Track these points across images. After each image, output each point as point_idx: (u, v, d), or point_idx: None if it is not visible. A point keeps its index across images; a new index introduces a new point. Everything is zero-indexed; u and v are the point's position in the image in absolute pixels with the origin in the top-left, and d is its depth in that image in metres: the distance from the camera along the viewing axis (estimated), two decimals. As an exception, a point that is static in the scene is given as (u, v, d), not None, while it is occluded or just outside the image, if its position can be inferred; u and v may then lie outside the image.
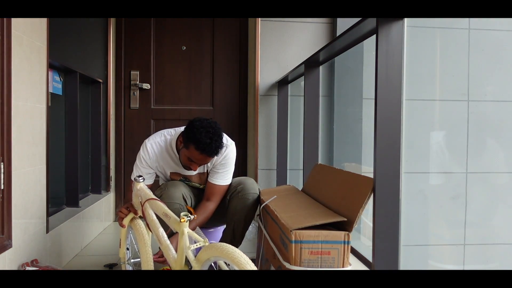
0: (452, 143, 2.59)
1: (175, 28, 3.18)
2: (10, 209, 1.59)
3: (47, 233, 1.93)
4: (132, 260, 1.77)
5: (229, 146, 1.88)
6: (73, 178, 2.44)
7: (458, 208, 2.47)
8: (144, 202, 1.54)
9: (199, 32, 3.21)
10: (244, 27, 3.24)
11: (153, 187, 1.91)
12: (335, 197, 1.53)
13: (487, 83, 2.56)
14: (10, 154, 1.58)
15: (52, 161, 2.02)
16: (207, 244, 1.18)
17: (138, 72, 3.17)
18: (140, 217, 1.67)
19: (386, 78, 1.32)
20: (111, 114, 3.04)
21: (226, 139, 1.88)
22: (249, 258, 1.06)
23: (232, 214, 1.88)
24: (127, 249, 1.82)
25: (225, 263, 1.12)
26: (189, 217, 1.25)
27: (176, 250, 1.33)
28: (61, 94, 2.37)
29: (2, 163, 1.54)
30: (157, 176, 2.00)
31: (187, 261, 1.25)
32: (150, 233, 1.58)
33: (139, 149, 1.91)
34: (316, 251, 1.27)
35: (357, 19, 1.42)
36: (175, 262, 1.30)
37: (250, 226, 1.99)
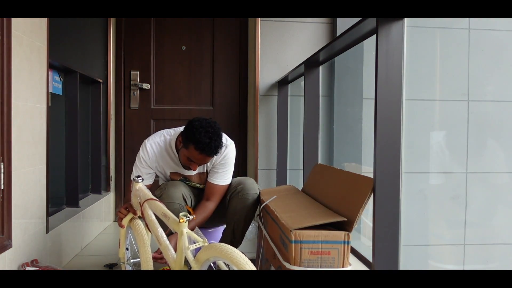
0: (452, 143, 2.59)
1: (175, 28, 3.18)
2: (10, 209, 1.59)
3: (47, 233, 1.93)
4: (131, 260, 1.77)
5: (229, 146, 1.88)
6: (73, 178, 2.44)
7: (458, 208, 2.47)
8: (143, 203, 1.54)
9: (199, 32, 3.21)
10: (244, 27, 3.24)
11: (153, 187, 1.91)
12: (335, 197, 1.53)
13: (487, 83, 2.56)
14: (10, 154, 1.58)
15: (52, 161, 2.02)
16: (206, 244, 1.18)
17: (138, 72, 3.17)
18: (139, 217, 1.67)
19: (386, 78, 1.32)
20: (111, 114, 3.04)
21: (226, 138, 1.88)
22: (249, 258, 1.06)
23: (232, 214, 1.88)
24: (127, 249, 1.82)
25: (225, 263, 1.13)
26: (188, 217, 1.25)
27: (175, 250, 1.33)
28: (61, 94, 2.37)
29: (2, 163, 1.54)
30: (157, 176, 2.00)
31: (186, 261, 1.25)
32: (150, 233, 1.58)
33: (139, 149, 1.91)
34: (316, 251, 1.27)
35: (357, 19, 1.42)
36: (174, 262, 1.30)
37: (250, 226, 1.99)
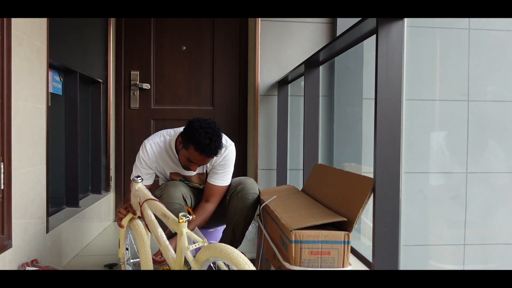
0: (452, 143, 2.59)
1: (175, 28, 3.19)
2: (10, 209, 1.59)
3: (47, 233, 1.93)
4: (131, 260, 1.77)
5: (229, 147, 1.88)
6: (73, 178, 2.44)
7: (458, 208, 2.47)
8: (143, 203, 1.54)
9: (199, 32, 3.21)
10: (244, 27, 3.24)
11: (153, 187, 1.91)
12: (335, 197, 1.53)
13: (487, 83, 2.56)
14: (10, 154, 1.58)
15: (52, 161, 2.02)
16: (206, 244, 1.18)
17: (138, 72, 3.17)
18: (139, 217, 1.67)
19: (386, 78, 1.32)
20: (111, 114, 3.04)
21: (226, 139, 1.88)
22: (249, 258, 1.06)
23: (232, 214, 1.88)
24: (127, 249, 1.82)
25: (224, 263, 1.12)
26: (188, 217, 1.25)
27: (175, 251, 1.33)
28: (61, 94, 2.37)
29: (2, 163, 1.54)
30: (157, 176, 2.00)
31: (186, 262, 1.25)
32: (149, 233, 1.58)
33: (139, 149, 1.91)
34: (316, 251, 1.27)
35: (357, 19, 1.42)
36: (174, 262, 1.30)
37: (250, 226, 1.99)
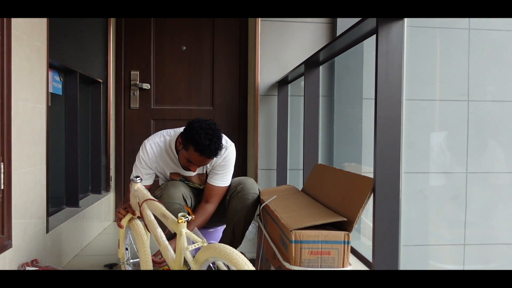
0: (452, 143, 2.59)
1: (175, 28, 3.18)
2: (10, 209, 1.59)
3: (47, 233, 1.93)
4: (131, 260, 1.77)
5: (229, 148, 1.88)
6: (73, 178, 2.44)
7: (458, 208, 2.47)
8: (142, 203, 1.54)
9: (199, 32, 3.21)
10: (244, 27, 3.24)
11: (153, 187, 1.91)
12: (335, 197, 1.53)
13: (487, 83, 2.56)
14: (10, 154, 1.58)
15: (52, 161, 2.02)
16: (205, 244, 1.18)
17: (138, 72, 3.17)
18: (138, 217, 1.67)
19: (386, 78, 1.32)
20: (111, 114, 3.04)
21: (226, 140, 1.88)
22: (249, 258, 1.06)
23: (232, 214, 1.88)
24: (126, 249, 1.82)
25: (224, 263, 1.12)
26: (187, 217, 1.25)
27: (174, 251, 1.33)
28: (61, 94, 2.37)
29: (2, 163, 1.54)
30: (157, 176, 2.00)
31: (185, 262, 1.25)
32: (149, 233, 1.58)
33: (139, 149, 1.91)
34: (316, 251, 1.27)
35: (357, 19, 1.42)
36: (173, 262, 1.30)
37: (250, 226, 1.99)
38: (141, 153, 1.88)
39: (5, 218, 1.57)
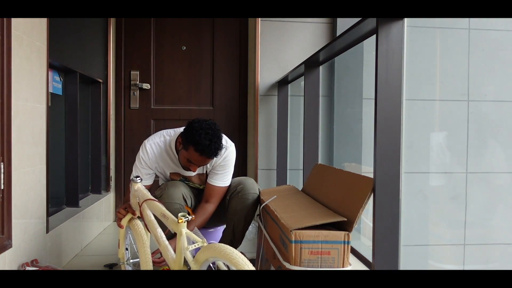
0: (452, 143, 2.59)
1: (175, 28, 3.19)
2: (10, 209, 1.59)
3: (47, 233, 1.93)
4: (131, 260, 1.77)
5: (229, 148, 1.88)
6: (73, 178, 2.44)
7: (458, 208, 2.47)
8: (142, 203, 1.54)
9: (199, 32, 3.21)
10: (244, 27, 3.24)
11: (153, 187, 1.91)
12: (335, 197, 1.53)
13: (487, 83, 2.56)
14: (10, 154, 1.58)
15: (52, 161, 2.02)
16: (205, 244, 1.18)
17: (138, 72, 3.17)
18: (138, 217, 1.67)
19: (386, 78, 1.32)
20: (111, 114, 3.04)
21: (226, 140, 1.88)
22: (249, 258, 1.06)
23: (232, 214, 1.88)
24: (126, 249, 1.82)
25: (224, 263, 1.12)
26: (187, 217, 1.25)
27: (174, 251, 1.33)
28: (61, 94, 2.37)
29: (2, 163, 1.54)
30: (157, 176, 2.00)
31: (185, 262, 1.25)
32: (149, 233, 1.58)
33: (139, 149, 1.91)
34: (316, 251, 1.27)
35: (357, 19, 1.42)
36: (173, 262, 1.30)
37: (250, 226, 1.99)
38: (141, 153, 1.88)
39: (5, 218, 1.57)
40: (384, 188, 1.31)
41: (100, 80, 2.84)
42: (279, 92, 2.93)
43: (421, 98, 2.61)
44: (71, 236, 2.24)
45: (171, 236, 1.72)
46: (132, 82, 3.15)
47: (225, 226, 1.96)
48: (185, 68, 3.21)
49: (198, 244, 1.20)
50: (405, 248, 1.47)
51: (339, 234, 1.28)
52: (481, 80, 2.54)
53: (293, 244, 1.27)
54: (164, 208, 1.41)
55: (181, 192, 1.86)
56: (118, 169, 3.17)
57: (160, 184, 2.01)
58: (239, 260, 1.03)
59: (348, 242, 1.28)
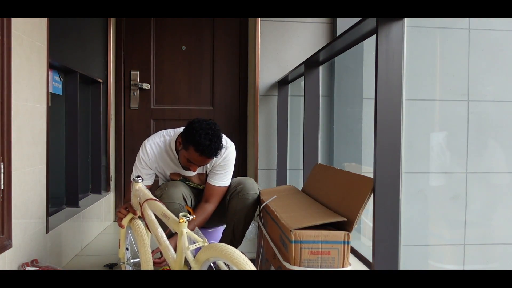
0: (452, 143, 2.59)
1: (175, 28, 3.19)
2: (10, 209, 1.59)
3: (47, 233, 1.93)
4: (131, 260, 1.77)
5: (229, 148, 1.88)
6: (73, 178, 2.44)
7: (458, 208, 2.47)
8: (143, 203, 1.54)
9: (199, 32, 3.21)
10: (244, 27, 3.24)
11: (153, 187, 1.91)
12: (335, 197, 1.53)
13: (487, 83, 2.56)
14: (10, 154, 1.58)
15: (52, 161, 2.02)
16: (206, 244, 1.18)
17: (138, 72, 3.17)
18: (139, 217, 1.67)
19: (386, 78, 1.32)
20: (111, 114, 3.04)
21: (226, 140, 1.88)
22: (249, 258, 1.06)
23: (232, 214, 1.88)
24: (127, 249, 1.82)
25: (224, 263, 1.12)
26: (188, 217, 1.25)
27: (175, 250, 1.33)
28: (61, 94, 2.37)
29: (2, 163, 1.54)
30: (157, 176, 2.00)
31: (186, 261, 1.25)
32: (149, 233, 1.58)
33: (139, 149, 1.91)
34: (316, 251, 1.27)
35: (357, 19, 1.42)
36: (174, 262, 1.30)
37: (250, 226, 1.99)
38: (141, 153, 1.88)
39: (5, 218, 1.57)
40: (384, 188, 1.31)
41: (100, 80, 2.84)
42: (279, 92, 2.93)
43: (421, 98, 2.61)
44: (71, 236, 2.24)
45: (171, 234, 1.72)
46: (132, 82, 3.15)
47: (225, 226, 1.96)
48: (185, 68, 3.21)
49: (199, 244, 1.20)
50: (405, 248, 1.47)
51: (339, 234, 1.28)
52: (481, 80, 2.54)
53: (293, 244, 1.27)
54: (165, 208, 1.41)
55: (181, 192, 1.86)
56: (118, 169, 3.17)
57: (160, 184, 2.01)
58: (240, 260, 1.03)
59: (348, 242, 1.28)
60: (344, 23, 2.89)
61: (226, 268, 1.15)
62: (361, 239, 2.39)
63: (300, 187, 2.02)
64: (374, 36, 1.36)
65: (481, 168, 2.51)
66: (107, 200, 3.01)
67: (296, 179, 2.88)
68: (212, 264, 1.18)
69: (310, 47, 2.95)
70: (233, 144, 1.92)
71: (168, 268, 1.72)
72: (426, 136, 2.62)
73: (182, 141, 1.76)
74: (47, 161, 1.93)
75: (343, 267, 1.28)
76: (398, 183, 1.32)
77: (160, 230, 1.45)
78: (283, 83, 2.87)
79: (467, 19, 2.50)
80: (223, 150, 1.81)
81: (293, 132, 2.95)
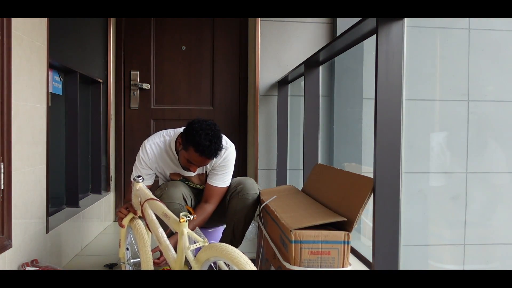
0: (452, 143, 2.59)
1: (175, 28, 3.19)
2: (10, 209, 1.59)
3: (47, 233, 1.93)
4: (132, 260, 1.77)
5: (229, 148, 1.88)
6: (73, 178, 2.44)
7: (458, 208, 2.47)
8: (144, 202, 1.54)
9: (199, 32, 3.21)
10: (244, 27, 3.24)
11: (153, 187, 1.91)
12: (335, 197, 1.53)
13: (487, 83, 2.56)
14: (10, 154, 1.58)
15: (52, 161, 2.02)
16: (206, 244, 1.18)
17: (138, 72, 3.17)
18: (139, 217, 1.67)
19: (386, 78, 1.32)
20: (111, 114, 3.04)
21: (226, 141, 1.88)
22: (249, 258, 1.06)
23: (232, 214, 1.88)
24: (127, 249, 1.82)
25: (225, 263, 1.12)
26: (189, 217, 1.25)
27: (175, 250, 1.33)
28: (61, 94, 2.37)
29: (2, 163, 1.54)
30: (157, 176, 2.00)
31: (186, 261, 1.25)
32: (150, 233, 1.58)
33: (139, 149, 1.91)
34: (316, 251, 1.27)
35: (357, 19, 1.42)
36: (174, 262, 1.30)
37: (250, 226, 1.99)
38: (141, 153, 1.88)
39: (5, 218, 1.57)
40: (384, 188, 1.31)
41: (100, 80, 2.84)
42: (279, 92, 2.93)
43: (421, 98, 2.61)
44: (71, 236, 2.24)
45: (171, 233, 1.71)
46: (132, 82, 3.15)
47: (225, 226, 1.96)
48: (185, 68, 3.21)
49: (199, 244, 1.20)
50: (405, 248, 1.47)
51: (339, 234, 1.28)
52: (481, 80, 2.54)
53: (293, 244, 1.27)
54: (165, 208, 1.41)
55: (181, 192, 1.86)
56: (118, 169, 3.17)
57: (160, 184, 2.01)
58: (241, 259, 1.03)
59: (348, 242, 1.28)
60: (344, 23, 2.89)
61: (226, 268, 1.15)
62: (361, 239, 2.39)
63: (300, 187, 2.02)
64: (374, 36, 1.36)
65: (481, 168, 2.51)
66: (107, 200, 3.01)
67: (296, 179, 2.88)
68: (212, 264, 1.18)
69: (310, 47, 2.95)
70: (233, 145, 1.92)
71: (168, 268, 1.72)
72: (426, 136, 2.62)
73: (182, 142, 1.75)
74: (47, 161, 1.93)
75: (343, 267, 1.28)
76: (398, 183, 1.32)
77: (161, 230, 1.45)
78: (283, 83, 2.87)
79: (467, 19, 2.50)
80: (223, 151, 1.81)
81: (293, 132, 2.95)
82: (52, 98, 2.16)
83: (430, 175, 2.64)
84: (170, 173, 1.95)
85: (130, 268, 1.82)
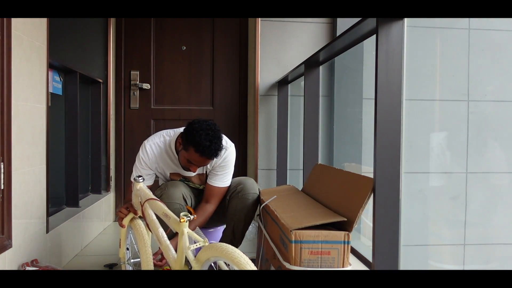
0: (452, 143, 2.60)
1: (175, 28, 3.19)
2: (10, 209, 1.59)
3: (47, 233, 1.93)
4: (132, 260, 1.77)
5: (229, 149, 1.88)
6: (73, 178, 2.44)
7: (458, 208, 2.47)
8: (144, 202, 1.54)
9: (199, 32, 3.21)
10: (244, 27, 3.24)
11: (153, 188, 1.91)
12: (335, 197, 1.53)
13: (487, 83, 2.56)
14: (10, 154, 1.58)
15: (52, 161, 2.02)
16: (207, 244, 1.18)
17: (138, 72, 3.17)
18: (140, 217, 1.67)
19: (386, 78, 1.32)
20: (111, 114, 3.04)
21: (226, 141, 1.88)
22: (249, 258, 1.06)
23: (232, 214, 1.88)
24: (127, 249, 1.82)
25: (225, 263, 1.12)
26: (189, 217, 1.25)
27: (176, 250, 1.33)
28: (61, 94, 2.37)
29: (2, 163, 1.54)
30: (157, 176, 2.00)
31: (187, 261, 1.25)
32: (150, 233, 1.58)
33: (139, 149, 1.91)
34: (316, 251, 1.27)
35: (357, 19, 1.42)
36: (175, 262, 1.30)
37: (250, 226, 1.99)
38: (141, 153, 1.88)
39: (5, 218, 1.57)
40: (384, 188, 1.31)
41: (100, 80, 2.84)
42: (279, 92, 2.93)
43: (421, 98, 2.61)
44: (71, 236, 2.24)
45: (172, 235, 1.72)
46: (132, 82, 3.15)
47: (225, 226, 1.96)
48: (185, 68, 3.21)
49: (199, 244, 1.20)
50: (405, 248, 1.47)
51: (339, 234, 1.28)
52: (481, 80, 2.54)
53: (293, 244, 1.27)
54: (166, 208, 1.41)
55: (181, 192, 1.86)
56: (118, 169, 3.17)
57: (160, 184, 2.01)
58: (241, 259, 1.03)
59: (348, 242, 1.28)
60: (344, 23, 2.89)
61: (226, 268, 1.15)
62: (361, 239, 2.39)
63: (300, 187, 2.02)
64: (374, 36, 1.36)
65: (481, 168, 2.51)
66: (107, 200, 3.01)
67: (296, 179, 2.88)
68: (212, 264, 1.18)
69: (310, 47, 2.95)
70: (233, 145, 1.92)
71: (168, 268, 1.72)
72: (426, 136, 2.62)
73: (182, 142, 1.75)
74: (47, 161, 1.93)
75: (343, 267, 1.28)
76: (398, 183, 1.32)
77: (161, 230, 1.45)
78: (283, 83, 2.87)
79: (467, 19, 2.51)
80: (223, 151, 1.81)
81: (293, 132, 2.95)
82: (52, 98, 2.16)
83: (430, 175, 2.64)
84: (170, 173, 1.95)
85: (130, 268, 1.82)
